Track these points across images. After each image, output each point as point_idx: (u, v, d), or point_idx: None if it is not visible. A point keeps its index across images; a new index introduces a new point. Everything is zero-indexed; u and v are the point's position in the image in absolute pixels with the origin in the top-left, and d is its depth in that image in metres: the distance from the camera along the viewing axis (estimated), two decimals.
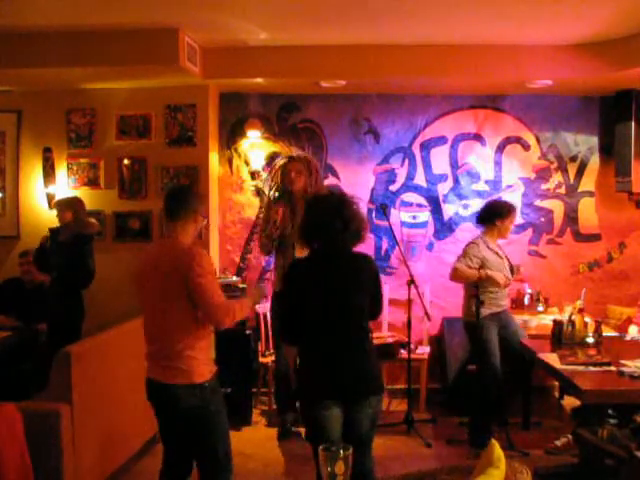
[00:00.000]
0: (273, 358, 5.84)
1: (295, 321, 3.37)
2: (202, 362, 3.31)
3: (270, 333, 6.13)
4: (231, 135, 6.57)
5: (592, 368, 4.27)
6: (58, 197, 6.16)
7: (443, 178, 6.60)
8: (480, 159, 6.58)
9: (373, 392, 3.33)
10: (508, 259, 5.36)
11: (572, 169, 6.58)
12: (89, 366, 4.10)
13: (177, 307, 3.24)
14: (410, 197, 6.61)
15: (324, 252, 3.38)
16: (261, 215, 6.30)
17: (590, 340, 4.91)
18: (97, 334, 4.57)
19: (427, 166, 6.59)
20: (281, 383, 5.56)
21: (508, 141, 6.57)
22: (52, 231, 5.81)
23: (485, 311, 5.10)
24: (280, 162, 5.79)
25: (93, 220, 5.88)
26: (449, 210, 6.59)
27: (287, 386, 5.44)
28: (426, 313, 5.59)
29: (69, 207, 5.72)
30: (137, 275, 3.43)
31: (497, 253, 5.24)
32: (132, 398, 4.35)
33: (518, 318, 5.71)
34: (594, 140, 6.56)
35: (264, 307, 6.25)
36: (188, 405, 3.24)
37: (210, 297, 3.22)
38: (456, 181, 6.59)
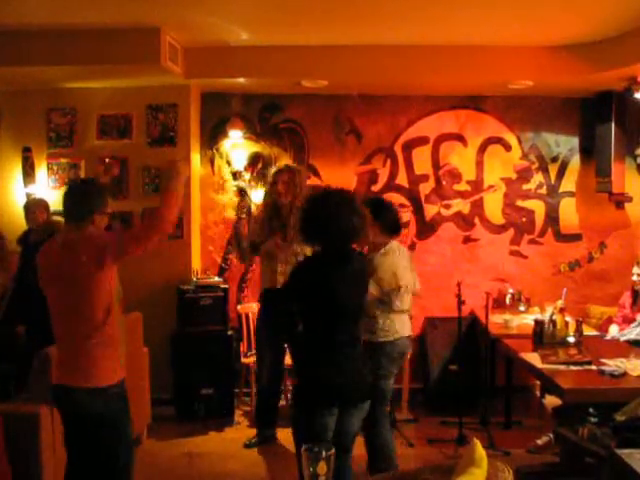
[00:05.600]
0: (255, 359, 5.81)
1: (294, 320, 3.26)
2: None
3: (253, 338, 6.05)
4: (213, 135, 6.54)
5: (573, 367, 4.30)
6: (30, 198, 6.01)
7: (425, 178, 6.62)
8: (462, 159, 6.61)
9: (368, 396, 3.30)
10: None
11: (553, 169, 6.62)
12: None
13: None
14: (392, 197, 6.61)
15: (332, 251, 3.19)
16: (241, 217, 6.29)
17: (571, 339, 4.93)
18: None
19: (409, 166, 6.60)
20: (262, 397, 5.45)
21: (489, 141, 6.60)
22: (23, 235, 5.64)
23: None
24: (271, 172, 5.64)
25: (58, 218, 5.79)
26: (431, 210, 6.60)
27: (268, 401, 5.38)
28: None
29: (46, 207, 5.64)
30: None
31: None
32: None
33: (499, 318, 5.72)
34: (575, 141, 6.60)
35: (246, 307, 6.23)
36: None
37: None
38: (438, 181, 6.61)
